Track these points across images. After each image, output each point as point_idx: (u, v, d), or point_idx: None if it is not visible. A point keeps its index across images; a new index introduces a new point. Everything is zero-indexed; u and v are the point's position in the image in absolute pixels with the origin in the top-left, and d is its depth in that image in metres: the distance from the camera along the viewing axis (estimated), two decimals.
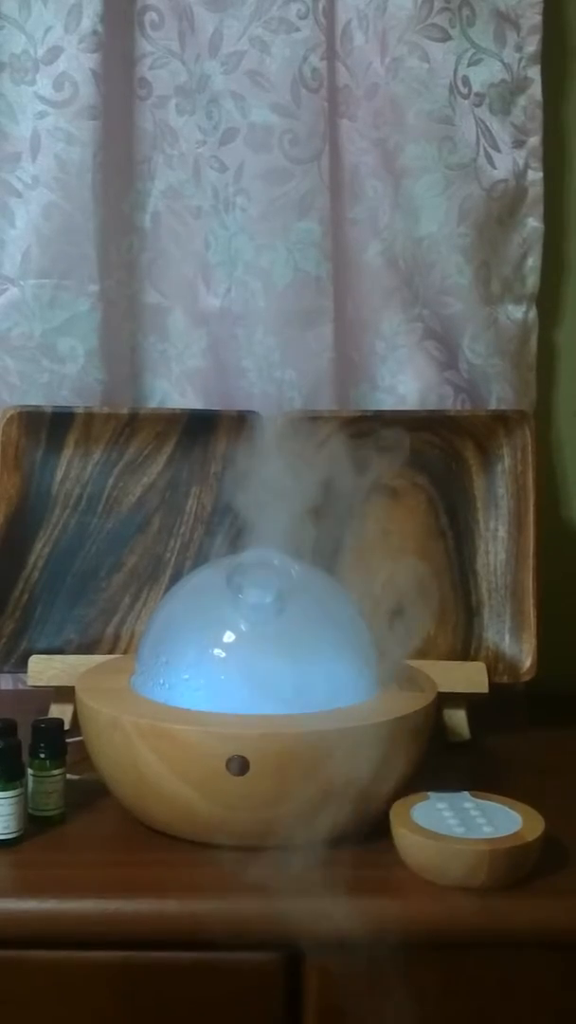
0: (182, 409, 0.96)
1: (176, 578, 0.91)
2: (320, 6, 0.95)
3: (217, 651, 0.72)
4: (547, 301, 1.01)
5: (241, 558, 0.75)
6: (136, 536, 0.93)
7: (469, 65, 0.95)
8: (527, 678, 0.89)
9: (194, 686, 0.71)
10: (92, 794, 0.74)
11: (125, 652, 0.90)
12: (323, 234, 0.97)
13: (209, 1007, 0.64)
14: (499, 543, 0.92)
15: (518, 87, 0.96)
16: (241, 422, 0.94)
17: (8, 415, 0.93)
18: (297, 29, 0.95)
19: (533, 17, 0.95)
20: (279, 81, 0.95)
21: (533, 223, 0.98)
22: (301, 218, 0.97)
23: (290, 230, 0.97)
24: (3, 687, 1.02)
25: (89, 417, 0.93)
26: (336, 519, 0.82)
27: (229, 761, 0.65)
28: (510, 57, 0.95)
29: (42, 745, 0.72)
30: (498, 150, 0.96)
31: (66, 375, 0.98)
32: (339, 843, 0.65)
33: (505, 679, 0.89)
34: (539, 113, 0.97)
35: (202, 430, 0.94)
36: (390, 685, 0.74)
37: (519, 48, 0.96)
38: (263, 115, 0.96)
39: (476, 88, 0.95)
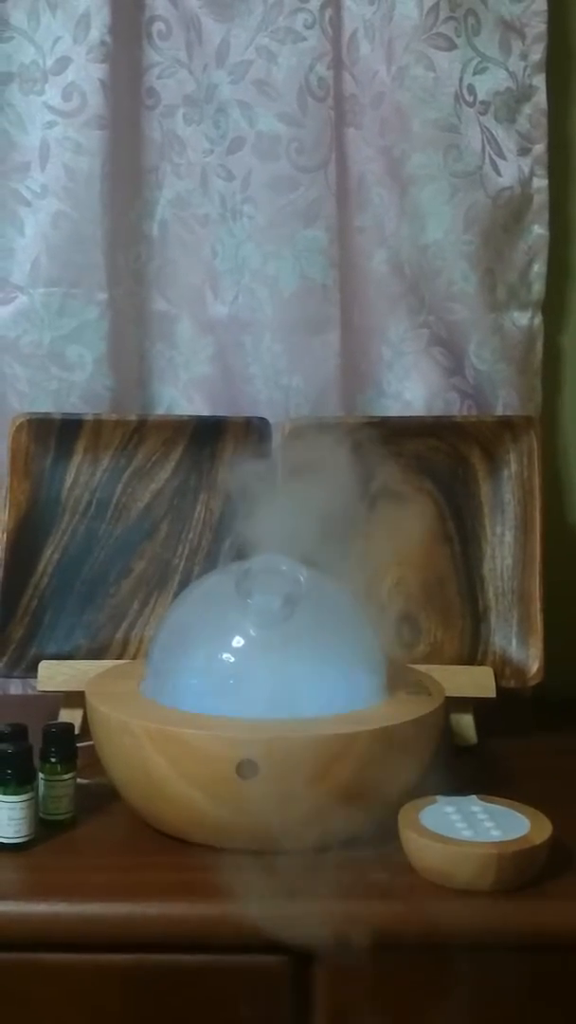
0: (190, 416, 0.97)
1: (184, 584, 0.92)
2: (327, 16, 0.95)
3: (226, 656, 0.72)
4: (552, 307, 1.02)
5: (249, 564, 0.75)
6: (145, 542, 0.94)
7: (474, 74, 0.96)
8: (534, 683, 0.89)
9: (203, 691, 0.71)
10: (102, 798, 0.74)
11: (134, 657, 0.91)
12: (329, 242, 0.98)
13: (218, 1010, 0.64)
14: (506, 548, 0.93)
15: (523, 95, 0.97)
16: (248, 428, 0.94)
17: (18, 422, 0.93)
18: (304, 39, 0.96)
19: (538, 26, 0.96)
20: (286, 90, 0.96)
21: (538, 230, 0.99)
22: (308, 226, 0.97)
23: (297, 238, 0.98)
24: (13, 692, 1.03)
25: (98, 424, 0.94)
26: (343, 524, 0.82)
27: (238, 765, 0.66)
28: (515, 65, 0.96)
29: (53, 750, 0.73)
30: (503, 158, 0.96)
31: (75, 382, 0.99)
32: (347, 846, 0.66)
33: (512, 684, 0.89)
34: (544, 121, 0.97)
35: (210, 436, 0.94)
36: (398, 689, 0.74)
37: (524, 56, 0.96)
38: (270, 124, 0.97)
39: (481, 96, 0.96)
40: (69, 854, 0.70)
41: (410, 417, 0.97)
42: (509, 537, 0.93)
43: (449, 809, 0.69)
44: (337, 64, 0.96)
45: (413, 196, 0.96)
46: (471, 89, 0.96)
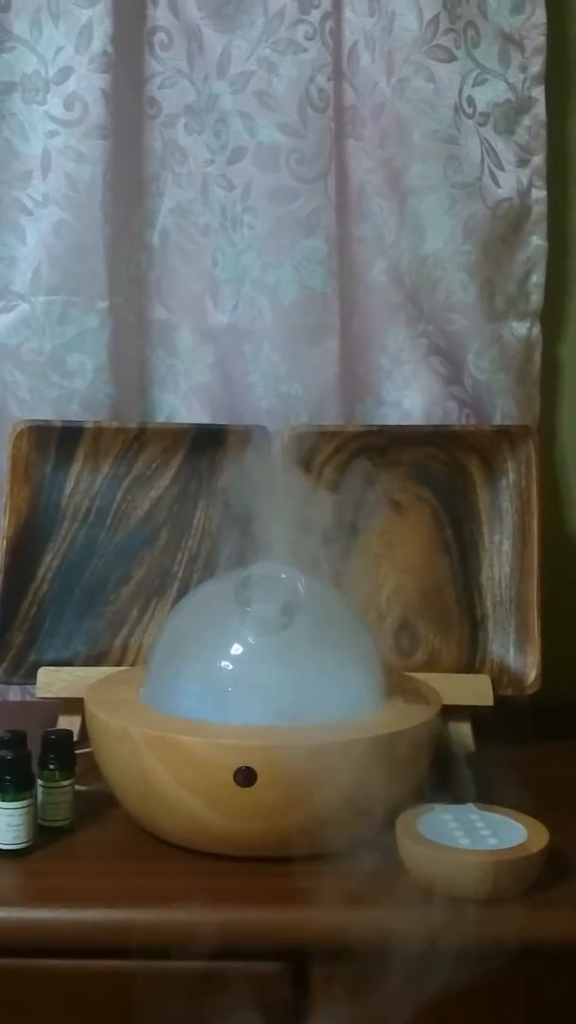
0: (190, 423, 0.98)
1: (183, 591, 0.92)
2: (327, 27, 0.96)
3: (225, 663, 0.73)
4: (550, 318, 1.02)
5: (248, 571, 0.75)
6: (144, 549, 0.94)
7: (474, 85, 0.96)
8: (532, 691, 0.90)
9: (202, 698, 0.72)
10: (100, 804, 0.74)
11: (133, 664, 0.91)
12: (329, 252, 0.98)
13: (216, 1016, 0.64)
14: (503, 557, 0.93)
15: (522, 107, 0.97)
16: (248, 436, 0.95)
17: (18, 429, 0.94)
18: (304, 50, 0.96)
19: (537, 38, 0.96)
20: (286, 101, 0.97)
21: (537, 241, 0.99)
22: (308, 236, 0.98)
23: (297, 248, 0.98)
24: (12, 699, 1.03)
25: (98, 431, 0.94)
26: (342, 532, 0.83)
27: (236, 772, 0.66)
28: (514, 77, 0.97)
29: (52, 756, 0.73)
30: (502, 169, 0.97)
31: (75, 390, 0.99)
32: (345, 854, 0.66)
33: (510, 692, 0.90)
34: (543, 132, 0.98)
35: (209, 444, 0.95)
36: (396, 697, 0.75)
37: (523, 68, 0.97)
38: (270, 134, 0.97)
39: (481, 108, 0.96)
40: (68, 860, 0.70)
41: (409, 426, 0.97)
42: (507, 546, 0.93)
43: (446, 817, 0.69)
44: (337, 75, 0.97)
45: (413, 207, 0.97)
46: (471, 101, 0.96)
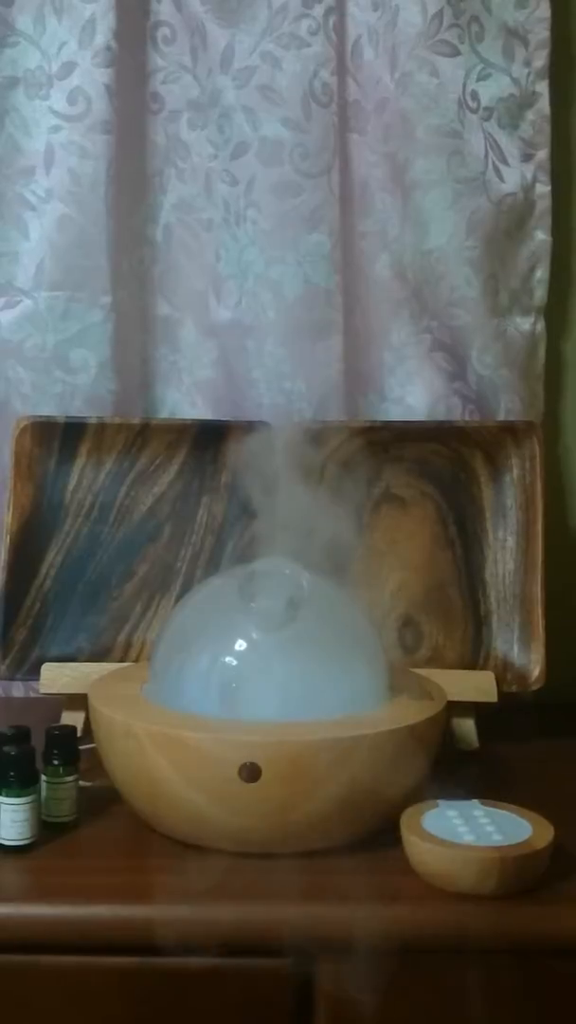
0: (193, 419, 0.97)
1: (187, 587, 0.92)
2: (331, 22, 0.96)
3: (229, 659, 0.73)
4: (555, 313, 1.02)
5: (253, 567, 0.75)
6: (147, 545, 0.94)
7: (478, 80, 0.96)
8: (536, 687, 0.89)
9: (206, 694, 0.71)
10: (104, 801, 0.74)
11: (136, 660, 0.91)
12: (333, 247, 0.98)
13: (221, 1013, 0.64)
14: (507, 553, 0.93)
15: (526, 101, 0.97)
16: (251, 432, 0.94)
17: (21, 425, 0.93)
18: (308, 44, 0.96)
19: (541, 32, 0.96)
20: (290, 96, 0.96)
21: (541, 236, 0.99)
22: (311, 231, 0.98)
23: (300, 243, 0.98)
24: (15, 695, 1.03)
25: (101, 427, 0.94)
26: (345, 528, 0.83)
27: (241, 768, 0.66)
28: (518, 72, 0.96)
29: (56, 752, 0.73)
30: (506, 164, 0.97)
31: (78, 386, 0.99)
32: (350, 850, 0.66)
33: (514, 688, 0.89)
34: (547, 127, 0.97)
35: (212, 440, 0.95)
36: (400, 693, 0.74)
37: (527, 63, 0.97)
38: (274, 129, 0.97)
39: (485, 102, 0.96)
40: (71, 856, 0.70)
41: (412, 422, 0.97)
42: (511, 542, 0.93)
43: (451, 813, 0.69)
44: (341, 70, 0.96)
45: (416, 201, 0.97)
46: (474, 95, 0.96)
